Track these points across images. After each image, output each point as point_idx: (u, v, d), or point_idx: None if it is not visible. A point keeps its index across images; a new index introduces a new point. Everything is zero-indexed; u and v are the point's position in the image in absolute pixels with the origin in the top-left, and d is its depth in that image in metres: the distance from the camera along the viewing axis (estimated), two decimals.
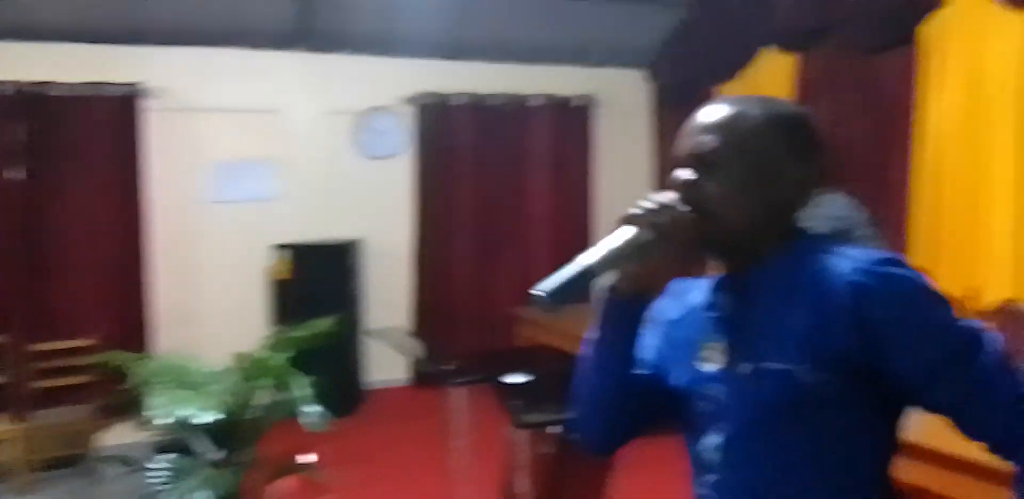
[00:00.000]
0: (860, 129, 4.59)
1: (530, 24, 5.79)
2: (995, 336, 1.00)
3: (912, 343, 0.97)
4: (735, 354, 1.05)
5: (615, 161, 6.47)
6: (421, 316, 5.96)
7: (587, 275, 1.01)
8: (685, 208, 1.04)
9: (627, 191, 6.26)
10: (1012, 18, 3.68)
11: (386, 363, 5.73)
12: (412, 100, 5.94)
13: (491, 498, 2.54)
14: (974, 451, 2.09)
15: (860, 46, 4.62)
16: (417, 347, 2.85)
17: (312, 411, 2.86)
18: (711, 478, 1.08)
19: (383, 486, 3.95)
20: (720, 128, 1.06)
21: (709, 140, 1.06)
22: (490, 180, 6.10)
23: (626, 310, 1.09)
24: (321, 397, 3.03)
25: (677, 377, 1.12)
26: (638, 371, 1.14)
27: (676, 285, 1.20)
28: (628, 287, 1.07)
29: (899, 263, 1.01)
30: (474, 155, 6.05)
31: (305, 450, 2.94)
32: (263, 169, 5.64)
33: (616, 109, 6.48)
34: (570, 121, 6.32)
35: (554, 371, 3.02)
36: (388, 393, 5.77)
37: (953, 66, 4.07)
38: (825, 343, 0.97)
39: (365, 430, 4.91)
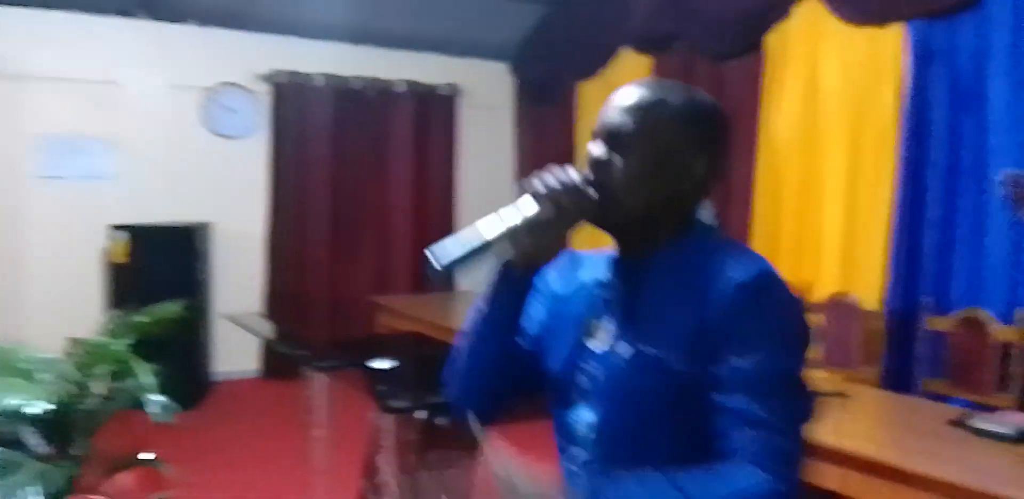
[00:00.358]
0: None
1: (394, 9, 5.69)
2: (810, 408, 1.01)
3: (740, 348, 0.98)
4: (619, 336, 1.07)
5: (479, 152, 6.49)
6: (275, 303, 5.76)
7: (485, 249, 1.01)
8: (589, 189, 1.06)
9: (490, 182, 6.34)
10: (848, 32, 3.98)
11: (235, 354, 5.50)
12: (267, 78, 5.70)
13: (352, 486, 2.49)
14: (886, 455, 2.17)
15: (710, 52, 4.86)
16: (273, 331, 2.74)
17: (156, 401, 2.68)
18: (582, 456, 1.10)
19: (234, 478, 3.78)
20: (639, 111, 1.07)
21: (626, 121, 1.07)
22: (350, 165, 5.96)
23: (517, 283, 1.11)
24: (166, 388, 2.84)
25: (559, 351, 1.13)
26: (519, 340, 1.16)
27: (566, 257, 1.21)
28: (522, 262, 1.09)
29: (779, 282, 1.02)
30: (333, 139, 5.89)
31: (149, 443, 2.76)
32: (99, 145, 5.25)
33: (481, 100, 6.50)
34: (434, 110, 6.27)
35: (416, 357, 2.99)
36: (237, 385, 5.54)
37: (793, 74, 4.35)
38: (701, 341, 1.01)
39: (213, 422, 4.69)
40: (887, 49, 3.83)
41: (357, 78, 5.94)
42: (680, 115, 1.07)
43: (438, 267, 0.99)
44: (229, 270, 5.57)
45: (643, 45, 5.29)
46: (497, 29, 6.25)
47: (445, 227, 6.19)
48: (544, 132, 6.34)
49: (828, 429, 2.63)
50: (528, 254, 1.08)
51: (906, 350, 3.62)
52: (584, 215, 1.07)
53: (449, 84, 6.30)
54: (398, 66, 6.11)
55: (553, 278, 1.20)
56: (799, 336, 1.04)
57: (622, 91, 1.11)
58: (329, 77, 5.83)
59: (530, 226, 1.04)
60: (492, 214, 1.06)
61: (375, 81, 6.01)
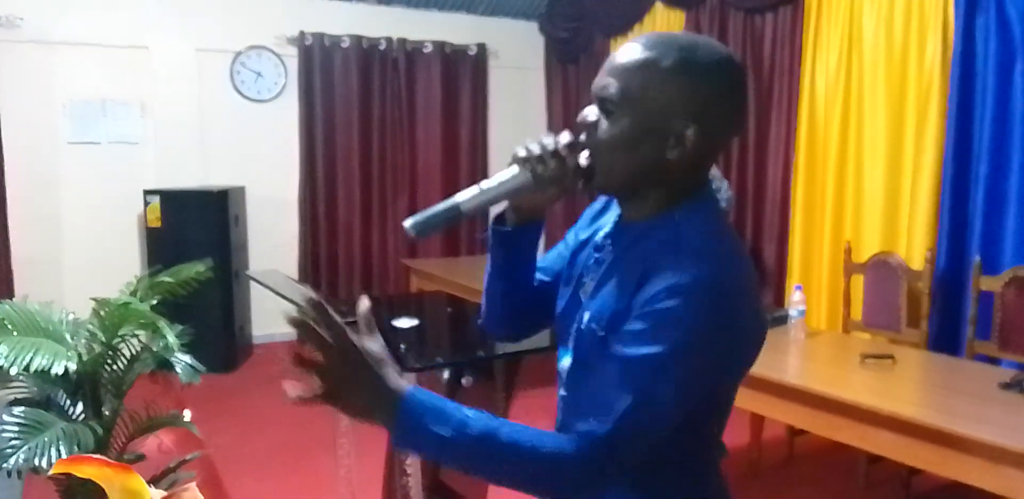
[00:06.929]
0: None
1: None
2: (663, 420, 0.95)
3: (638, 334, 0.93)
4: (589, 297, 1.08)
5: (510, 112, 6.38)
6: (309, 266, 5.78)
7: (452, 211, 1.05)
8: (570, 156, 1.03)
9: (521, 143, 6.23)
10: None
11: (273, 318, 5.54)
12: (294, 41, 5.63)
13: (379, 451, 2.47)
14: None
15: (744, 5, 4.68)
16: (300, 290, 2.70)
17: (182, 362, 2.67)
18: (561, 391, 1.14)
19: (266, 439, 3.82)
20: (625, 73, 0.98)
21: (612, 84, 0.98)
22: (380, 127, 5.91)
23: (508, 237, 1.17)
24: (202, 350, 2.82)
25: (564, 294, 1.16)
26: (541, 277, 1.24)
27: (600, 203, 1.20)
28: (510, 218, 1.15)
29: (714, 291, 0.92)
30: (362, 101, 5.83)
31: (185, 405, 2.77)
32: (130, 110, 5.25)
33: (511, 60, 6.37)
34: (463, 70, 6.17)
35: (442, 317, 2.95)
36: (276, 348, 5.59)
37: (833, 27, 4.17)
38: (620, 324, 0.97)
39: (249, 384, 4.77)
40: None
41: (384, 39, 5.84)
42: (671, 78, 0.96)
43: (407, 227, 1.05)
44: (265, 234, 5.58)
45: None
46: None
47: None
48: (576, 91, 6.21)
49: (875, 392, 2.55)
50: (512, 210, 1.14)
51: (954, 311, 3.48)
52: (560, 180, 1.04)
53: (478, 44, 6.17)
54: (425, 26, 6.00)
55: (584, 219, 1.22)
56: (707, 352, 0.93)
57: (620, 48, 1.01)
58: (356, 38, 5.74)
59: (506, 189, 1.05)
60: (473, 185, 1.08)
61: (403, 42, 5.91)
